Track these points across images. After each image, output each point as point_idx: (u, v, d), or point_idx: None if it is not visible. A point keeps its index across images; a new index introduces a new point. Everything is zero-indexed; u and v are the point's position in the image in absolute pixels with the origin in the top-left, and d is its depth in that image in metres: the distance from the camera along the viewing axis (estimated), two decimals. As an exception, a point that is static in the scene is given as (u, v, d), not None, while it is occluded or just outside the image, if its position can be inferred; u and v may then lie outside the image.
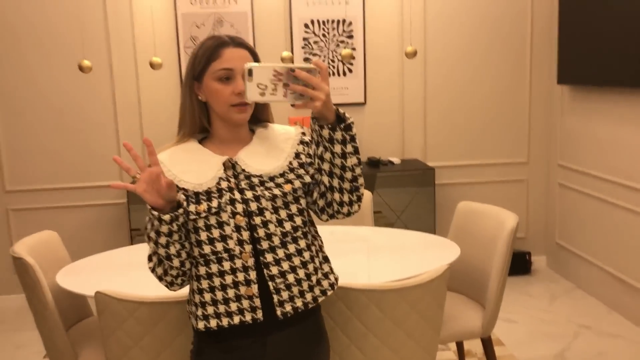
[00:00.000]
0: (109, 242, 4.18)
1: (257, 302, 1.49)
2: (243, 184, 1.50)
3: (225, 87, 1.47)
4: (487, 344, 2.62)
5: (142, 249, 2.82)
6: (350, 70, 4.21)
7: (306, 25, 4.14)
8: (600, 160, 3.83)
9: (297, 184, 1.53)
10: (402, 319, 1.91)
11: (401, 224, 3.96)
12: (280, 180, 1.52)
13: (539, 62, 4.34)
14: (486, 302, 2.58)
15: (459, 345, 2.96)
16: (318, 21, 4.13)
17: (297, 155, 1.57)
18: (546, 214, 4.54)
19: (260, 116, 1.61)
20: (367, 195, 3.23)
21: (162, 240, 1.43)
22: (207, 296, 1.49)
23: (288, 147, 1.58)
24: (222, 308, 1.48)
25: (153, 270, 1.51)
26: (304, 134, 1.62)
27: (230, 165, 1.52)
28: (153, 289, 1.80)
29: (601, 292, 3.90)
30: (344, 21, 4.15)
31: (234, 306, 1.48)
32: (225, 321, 1.49)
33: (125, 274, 2.56)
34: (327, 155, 1.45)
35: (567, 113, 4.19)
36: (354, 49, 4.18)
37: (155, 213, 1.39)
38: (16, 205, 4.21)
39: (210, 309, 1.49)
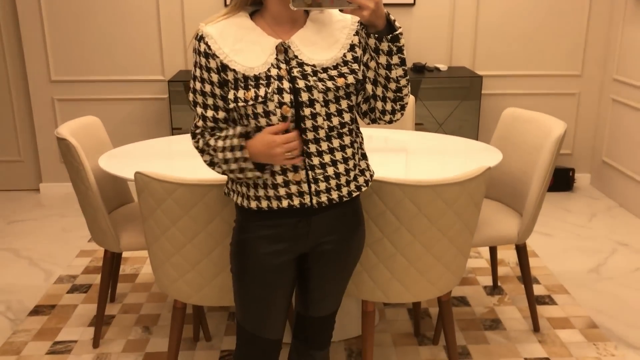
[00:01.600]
0: (150, 136, 4.24)
1: (305, 187, 1.50)
2: (295, 72, 1.46)
3: None
4: (522, 252, 2.61)
5: (183, 140, 2.85)
6: (400, -31, 4.01)
7: None
8: (659, 75, 3.63)
9: (351, 79, 1.49)
10: (437, 216, 1.90)
11: (444, 130, 3.88)
12: (334, 72, 1.48)
13: (604, -33, 4.05)
14: (524, 209, 2.55)
15: (492, 252, 2.96)
16: None
17: (351, 48, 1.51)
18: (595, 131, 4.38)
19: None
20: (410, 100, 3.16)
21: (237, 172, 1.49)
22: (250, 174, 1.49)
23: (343, 36, 1.52)
24: (271, 192, 1.51)
25: (210, 164, 1.56)
26: (360, 22, 1.53)
27: (283, 50, 1.47)
28: (191, 174, 1.83)
29: (644, 212, 3.81)
30: None
31: (282, 191, 1.50)
32: (275, 204, 1.52)
33: (166, 160, 2.60)
34: (372, 64, 1.43)
35: (629, 23, 3.93)
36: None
37: (258, 173, 1.47)
38: (61, 95, 4.27)
39: (261, 191, 1.52)
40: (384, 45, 1.38)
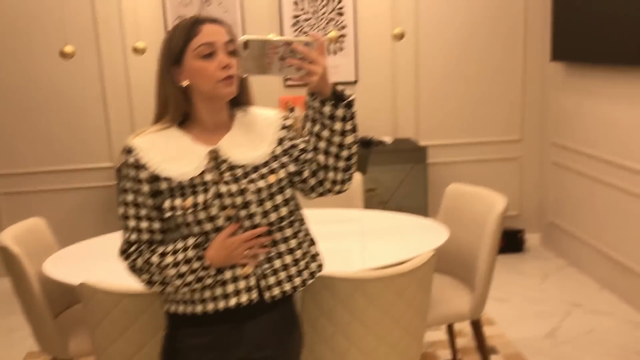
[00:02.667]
0: (99, 226, 4.16)
1: (253, 281, 1.49)
2: (226, 176, 1.47)
3: (209, 63, 1.43)
4: (476, 327, 2.62)
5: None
6: (341, 49, 4.16)
7: (295, 3, 4.06)
8: (594, 139, 3.80)
9: (282, 174, 1.51)
10: (387, 307, 1.90)
11: (394, 202, 3.94)
12: (264, 170, 1.50)
13: (532, 39, 4.28)
14: (475, 284, 2.58)
15: (449, 327, 2.97)
16: (308, -2, 4.06)
17: (280, 142, 1.54)
18: (540, 192, 4.53)
19: (240, 99, 1.56)
20: (357, 176, 3.21)
21: (193, 283, 1.46)
22: (208, 280, 1.47)
23: (270, 133, 1.55)
24: (218, 291, 1.48)
25: (149, 283, 1.51)
26: (285, 117, 1.59)
27: (214, 156, 1.49)
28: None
29: (593, 270, 3.91)
30: (334, -2, 4.08)
31: (230, 287, 1.48)
32: (221, 304, 1.48)
33: (114, 261, 2.54)
34: (325, 133, 1.43)
35: (560, 90, 4.15)
36: (343, 27, 4.12)
37: (219, 277, 1.47)
38: (3, 189, 4.18)
39: (207, 293, 1.49)
40: (340, 111, 1.40)
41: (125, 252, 1.51)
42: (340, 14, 4.10)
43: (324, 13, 4.09)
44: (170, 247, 1.47)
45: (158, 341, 1.85)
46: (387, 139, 4.15)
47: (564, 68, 4.07)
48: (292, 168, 1.52)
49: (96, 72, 4.08)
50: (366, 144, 4.10)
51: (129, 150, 1.47)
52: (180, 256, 1.45)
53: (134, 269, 1.50)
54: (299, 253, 1.55)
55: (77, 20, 4.00)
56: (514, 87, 4.35)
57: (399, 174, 3.97)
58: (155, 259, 1.47)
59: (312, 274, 1.58)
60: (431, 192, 4.27)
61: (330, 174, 1.49)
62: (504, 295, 3.76)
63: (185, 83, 1.46)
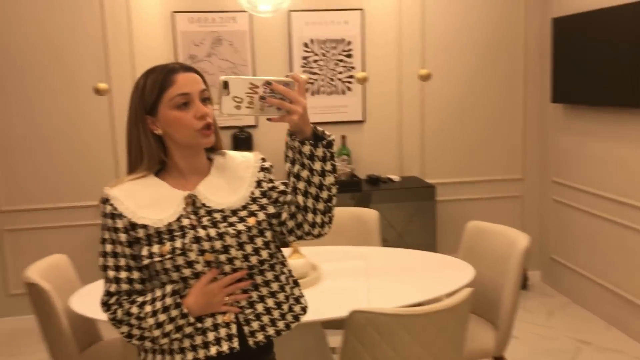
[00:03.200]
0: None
1: (234, 328, 1.45)
2: (205, 220, 1.45)
3: (185, 114, 1.42)
4: (500, 363, 2.65)
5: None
6: (349, 89, 4.25)
7: (305, 45, 4.16)
8: (593, 177, 3.91)
9: (261, 216, 1.48)
10: (429, 342, 1.93)
11: (402, 241, 3.98)
12: (243, 213, 1.48)
13: (532, 82, 4.43)
14: (498, 320, 2.62)
15: (468, 364, 2.98)
16: (317, 40, 4.17)
17: (258, 184, 1.53)
18: (541, 230, 4.61)
19: (214, 143, 1.51)
20: (373, 213, 3.26)
21: (173, 333, 1.43)
22: (188, 329, 1.44)
23: (248, 175, 1.54)
24: (199, 339, 1.44)
25: (128, 336, 1.46)
26: (263, 159, 1.59)
27: (191, 201, 1.46)
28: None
29: (597, 307, 3.97)
30: (343, 40, 4.19)
31: (211, 336, 1.44)
32: (201, 353, 1.44)
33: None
34: (305, 173, 1.41)
35: (560, 131, 4.28)
36: (352, 68, 4.22)
37: (199, 325, 1.44)
38: (11, 226, 4.13)
39: (186, 342, 1.45)
40: (319, 151, 1.38)
41: (106, 304, 1.46)
42: (349, 56, 4.21)
43: (332, 55, 4.19)
44: (148, 296, 1.43)
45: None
46: (395, 177, 4.21)
47: (564, 109, 4.21)
48: (271, 209, 1.50)
49: (106, 109, 4.10)
50: (374, 181, 4.16)
51: (105, 200, 1.45)
52: (158, 304, 1.41)
53: (114, 320, 1.45)
54: (281, 296, 1.52)
55: (91, 59, 4.04)
56: (516, 128, 4.48)
57: (405, 213, 4.02)
58: (134, 309, 1.43)
59: (295, 317, 1.55)
60: (439, 228, 4.33)
61: (310, 216, 1.45)
62: (513, 332, 3.78)
63: (159, 132, 1.45)
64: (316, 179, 1.41)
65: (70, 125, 4.10)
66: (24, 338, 3.98)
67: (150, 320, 1.41)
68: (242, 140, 4.10)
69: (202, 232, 1.43)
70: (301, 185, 1.42)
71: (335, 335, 2.98)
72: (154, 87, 1.43)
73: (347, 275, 2.64)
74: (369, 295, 2.40)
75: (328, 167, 1.41)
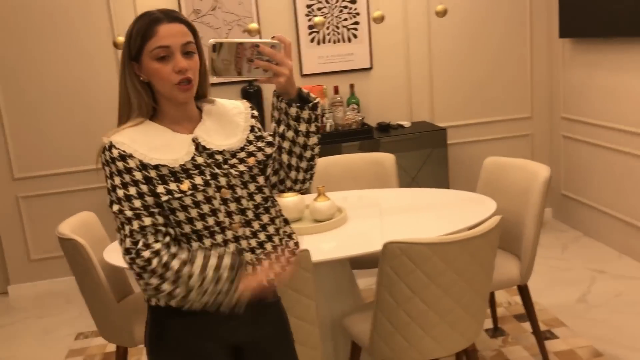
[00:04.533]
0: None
1: (250, 270, 1.48)
2: (208, 162, 1.48)
3: (164, 66, 1.41)
4: (524, 291, 2.72)
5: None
6: (355, 36, 4.22)
7: (309, -8, 4.12)
8: (603, 110, 3.93)
9: (260, 156, 1.53)
10: (463, 269, 1.98)
11: (417, 185, 4.02)
12: (242, 154, 1.51)
13: (539, 18, 4.40)
14: (521, 252, 2.68)
15: (491, 296, 3.06)
16: (320, -12, 4.12)
17: (252, 129, 1.57)
18: (551, 167, 4.61)
19: (199, 91, 1.52)
20: (390, 157, 3.29)
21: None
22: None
23: (242, 120, 1.57)
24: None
25: (149, 277, 1.40)
26: (252, 107, 1.62)
27: (195, 144, 1.48)
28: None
29: (610, 238, 4.04)
30: (346, -14, 4.15)
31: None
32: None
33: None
34: (290, 134, 1.46)
35: (568, 66, 4.27)
36: (357, 14, 4.19)
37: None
38: (26, 192, 4.16)
39: None
40: (305, 113, 1.43)
41: (133, 252, 1.39)
42: (353, 2, 4.17)
43: (337, 1, 4.15)
44: (199, 259, 1.41)
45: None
46: (406, 123, 4.23)
47: (572, 44, 4.19)
48: (269, 151, 1.54)
49: (113, 71, 4.07)
50: (384, 128, 4.17)
51: (109, 147, 1.42)
52: (210, 273, 1.39)
53: (144, 269, 1.39)
54: (282, 232, 1.57)
55: (93, 16, 4.00)
56: (523, 66, 4.47)
57: (420, 156, 4.05)
58: (175, 263, 1.39)
59: (291, 252, 1.59)
60: (451, 171, 4.37)
61: (292, 174, 1.52)
62: (529, 267, 3.86)
63: (145, 80, 1.46)
64: (300, 140, 1.47)
65: (80, 87, 4.09)
66: (50, 300, 4.06)
67: (194, 283, 1.38)
68: (252, 94, 4.10)
69: (216, 170, 1.46)
70: (286, 144, 1.48)
71: (360, 277, 3.03)
72: (137, 36, 1.42)
73: (372, 215, 2.68)
74: (397, 231, 2.45)
75: (312, 128, 1.47)
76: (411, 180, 4.04)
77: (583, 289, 3.51)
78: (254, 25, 3.07)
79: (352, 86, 4.22)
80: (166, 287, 1.38)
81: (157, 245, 1.40)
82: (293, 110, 1.43)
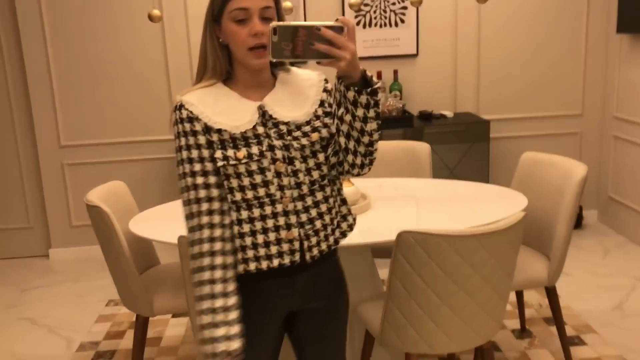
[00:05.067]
0: (167, 196, 4.24)
1: (297, 245, 1.51)
2: (272, 132, 1.48)
3: (241, 29, 1.43)
4: (552, 293, 2.62)
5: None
6: (402, 21, 4.14)
7: (357, -24, 4.05)
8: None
9: (325, 132, 1.51)
10: (479, 265, 1.92)
11: (454, 178, 3.93)
12: (307, 128, 1.51)
13: (596, 11, 4.20)
14: (551, 252, 2.58)
15: (519, 295, 2.97)
16: (369, -29, 4.05)
17: (321, 103, 1.55)
18: (599, 168, 4.46)
19: None
20: (425, 147, 3.22)
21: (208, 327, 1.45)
22: (248, 240, 1.49)
23: (313, 93, 1.55)
24: (262, 251, 1.49)
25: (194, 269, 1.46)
26: (326, 80, 1.59)
27: (261, 112, 1.49)
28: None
29: (657, 246, 3.86)
30: (395, -30, 4.06)
31: (274, 249, 1.49)
32: (264, 264, 1.50)
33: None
34: (348, 118, 1.43)
35: (625, 63, 4.07)
36: (405, -1, 4.10)
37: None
38: (71, 160, 4.29)
39: (250, 253, 1.49)
40: (363, 98, 1.39)
41: (187, 220, 1.47)
42: (402, -13, 4.08)
43: (385, -14, 4.07)
44: (230, 301, 1.44)
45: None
46: (448, 113, 4.13)
47: (630, 40, 3.99)
48: (334, 129, 1.51)
49: (160, 43, 4.13)
50: (426, 117, 4.09)
51: (179, 106, 1.46)
52: (220, 318, 1.43)
53: (191, 243, 1.46)
54: (334, 212, 1.57)
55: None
56: (577, 61, 4.29)
57: (461, 148, 3.96)
58: (200, 276, 1.44)
59: (343, 233, 1.61)
60: (492, 166, 4.25)
61: (350, 157, 1.49)
62: (565, 269, 3.72)
63: (224, 42, 1.47)
64: (358, 124, 1.43)
65: (127, 60, 4.16)
66: (86, 266, 4.19)
67: (206, 305, 1.43)
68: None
69: (275, 142, 1.47)
70: (344, 127, 1.45)
71: (383, 268, 3.01)
72: None
73: (397, 204, 2.64)
74: (418, 221, 2.40)
75: (371, 114, 1.42)
76: (449, 172, 3.95)
77: (621, 296, 3.36)
78: (287, 4, 3.04)
79: (395, 72, 4.14)
80: (190, 264, 1.46)
81: (205, 233, 1.44)
82: (350, 94, 1.39)
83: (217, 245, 1.45)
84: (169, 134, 4.26)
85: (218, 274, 1.44)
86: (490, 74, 4.27)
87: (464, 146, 3.97)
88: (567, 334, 2.95)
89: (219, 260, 1.44)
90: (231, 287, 1.45)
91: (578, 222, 4.37)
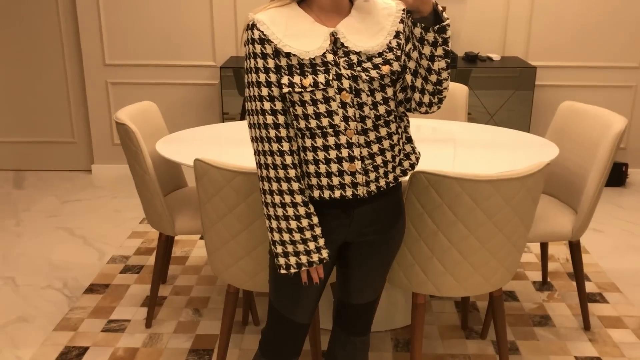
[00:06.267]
0: (201, 122, 4.30)
1: (359, 178, 1.50)
2: (341, 61, 1.45)
3: None
4: (575, 248, 2.56)
5: (235, 126, 2.88)
6: (455, -44, 3.95)
7: None
8: None
9: (396, 66, 1.47)
10: (494, 211, 1.88)
11: (496, 119, 3.82)
12: (379, 60, 1.46)
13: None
14: (579, 205, 2.50)
15: (543, 248, 2.92)
16: None
17: (396, 35, 1.50)
18: (651, 125, 4.25)
19: None
20: (462, 89, 3.12)
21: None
22: (312, 168, 1.49)
23: (389, 23, 1.50)
24: (324, 181, 1.50)
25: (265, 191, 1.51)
26: (404, 11, 1.50)
27: (333, 39, 1.45)
28: (247, 161, 1.85)
29: (701, 211, 3.70)
30: None
31: (336, 180, 1.50)
32: (327, 194, 1.51)
33: (219, 147, 2.63)
34: (415, 55, 1.39)
35: (693, 15, 3.80)
36: None
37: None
38: (115, 79, 4.36)
39: (313, 180, 1.51)
40: (430, 36, 1.34)
41: (253, 144, 1.49)
42: None
43: None
44: (305, 223, 1.49)
45: (265, 219, 1.92)
46: (495, 56, 3.98)
47: (702, -10, 3.70)
48: (406, 63, 1.47)
49: (205, -33, 4.08)
50: (471, 59, 3.95)
51: (252, 26, 1.44)
52: (293, 224, 1.49)
53: (259, 165, 1.49)
54: (397, 149, 1.54)
55: None
56: (636, 8, 4.01)
57: (500, 98, 3.82)
58: (276, 198, 1.48)
59: (404, 172, 1.59)
60: (535, 117, 4.11)
61: (417, 95, 1.46)
62: (599, 226, 3.64)
63: None
64: (424, 62, 1.40)
65: (170, -18, 4.14)
66: (125, 183, 4.33)
67: (278, 224, 1.51)
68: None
69: (343, 71, 1.44)
70: (411, 64, 1.42)
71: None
72: None
73: (435, 147, 2.59)
74: (438, 163, 2.36)
75: (439, 52, 1.37)
76: (489, 118, 3.84)
77: (653, 258, 3.26)
78: None
79: (443, 9, 3.97)
80: (261, 186, 1.51)
81: (277, 160, 1.46)
82: (417, 31, 1.36)
83: (292, 172, 1.47)
84: (209, 60, 4.27)
85: (298, 198, 1.48)
86: (544, 18, 4.06)
87: (507, 92, 3.83)
88: (590, 291, 2.91)
89: (295, 185, 1.48)
90: (312, 207, 1.50)
91: (621, 180, 4.22)
